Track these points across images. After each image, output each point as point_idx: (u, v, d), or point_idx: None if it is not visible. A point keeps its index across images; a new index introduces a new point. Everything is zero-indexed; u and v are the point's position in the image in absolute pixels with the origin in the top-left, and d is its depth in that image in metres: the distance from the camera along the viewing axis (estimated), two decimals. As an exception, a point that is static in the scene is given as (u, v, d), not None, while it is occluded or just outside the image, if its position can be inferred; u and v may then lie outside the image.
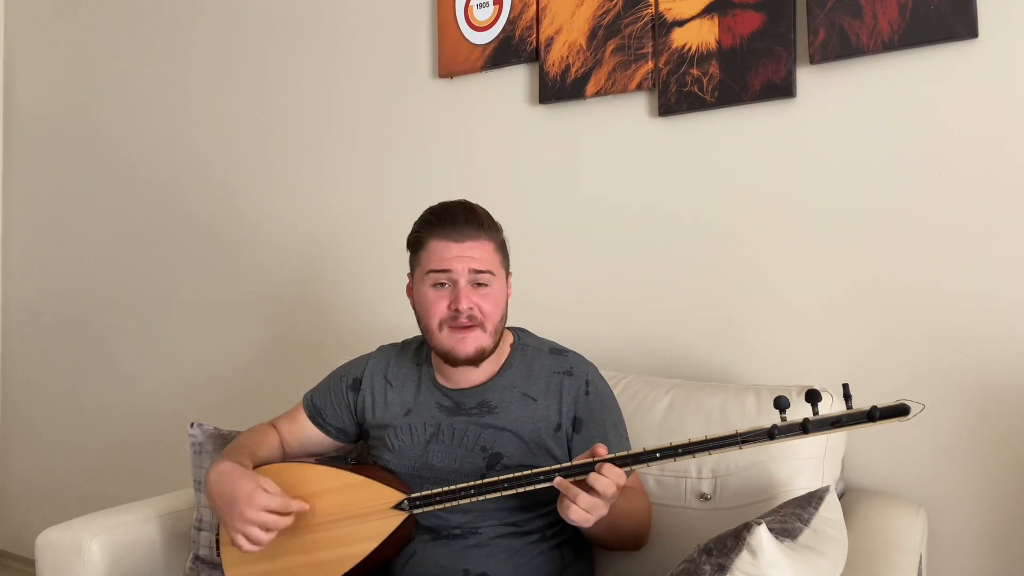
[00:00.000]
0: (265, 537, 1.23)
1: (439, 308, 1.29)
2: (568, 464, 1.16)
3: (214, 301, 2.49)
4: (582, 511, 1.10)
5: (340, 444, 1.49)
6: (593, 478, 1.10)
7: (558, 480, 1.13)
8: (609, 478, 1.10)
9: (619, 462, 1.12)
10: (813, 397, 1.04)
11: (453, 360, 1.31)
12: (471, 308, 1.28)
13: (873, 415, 1.01)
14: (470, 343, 1.29)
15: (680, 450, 1.11)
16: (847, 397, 1.04)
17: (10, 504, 3.06)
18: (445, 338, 1.30)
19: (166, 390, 2.61)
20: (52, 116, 2.92)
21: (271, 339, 2.38)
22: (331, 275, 2.25)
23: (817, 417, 1.04)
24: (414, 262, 1.35)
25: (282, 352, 2.35)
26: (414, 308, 1.36)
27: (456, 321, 1.28)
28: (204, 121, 2.52)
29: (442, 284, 1.30)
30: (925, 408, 1.48)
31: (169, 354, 2.60)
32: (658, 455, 1.11)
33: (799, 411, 1.27)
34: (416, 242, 1.34)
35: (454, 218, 1.30)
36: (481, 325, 1.29)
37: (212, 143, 2.50)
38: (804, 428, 1.05)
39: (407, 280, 1.39)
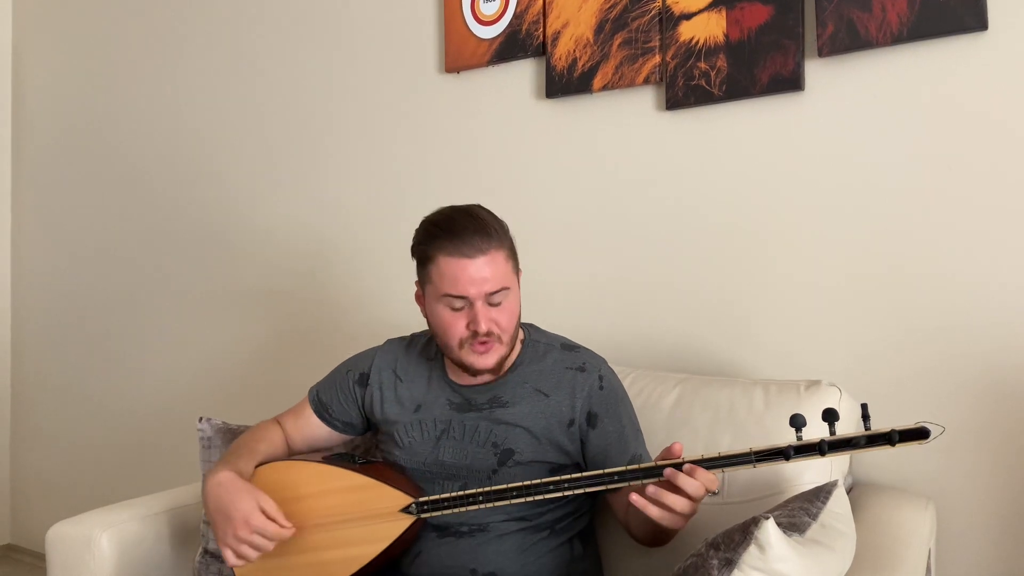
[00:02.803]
0: (254, 555, 1.23)
1: (457, 328, 1.27)
2: (591, 474, 1.14)
3: (221, 297, 2.50)
4: (673, 515, 1.06)
5: (347, 438, 1.49)
6: (683, 480, 1.05)
7: (635, 499, 1.07)
8: (701, 481, 1.05)
9: (630, 476, 1.11)
10: (830, 416, 1.02)
11: (474, 372, 1.31)
12: (490, 325, 1.26)
13: (892, 439, 0.98)
14: (491, 356, 1.28)
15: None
16: (865, 418, 1.01)
17: (21, 499, 3.08)
18: (465, 354, 1.29)
19: (174, 386, 2.62)
20: (60, 118, 2.93)
21: (278, 334, 2.38)
22: (337, 270, 2.25)
23: (835, 438, 1.02)
24: (423, 276, 1.31)
25: (289, 346, 2.36)
26: (426, 318, 1.34)
27: (476, 339, 1.27)
28: (209, 117, 2.52)
29: (458, 307, 1.27)
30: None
31: (177, 350, 2.61)
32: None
33: (805, 410, 1.27)
34: (423, 256, 1.29)
35: (462, 230, 1.24)
36: (499, 338, 1.28)
37: (217, 139, 2.50)
38: (821, 450, 1.02)
39: (415, 287, 1.36)
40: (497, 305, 1.27)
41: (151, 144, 2.67)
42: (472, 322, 1.26)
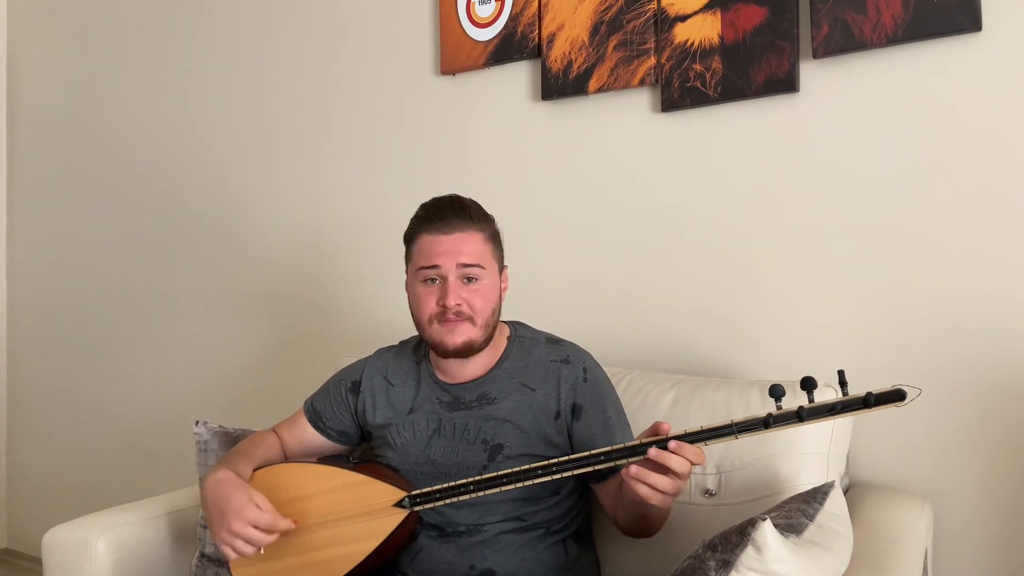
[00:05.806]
0: (249, 550, 1.24)
1: (429, 304, 1.31)
2: (579, 455, 1.15)
3: (218, 300, 2.50)
4: (661, 495, 1.06)
5: (342, 448, 1.49)
6: (668, 458, 1.05)
7: (631, 471, 1.07)
8: (685, 456, 1.05)
9: (616, 456, 1.11)
10: (808, 385, 1.03)
11: (443, 351, 1.32)
12: (459, 304, 1.29)
13: (869, 401, 0.99)
14: (459, 335, 1.30)
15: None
16: (843, 384, 1.03)
17: (17, 503, 3.08)
18: (435, 331, 1.32)
19: (171, 389, 2.62)
20: (55, 118, 2.93)
21: (275, 337, 2.38)
22: (335, 273, 2.25)
23: (812, 404, 1.03)
24: (407, 257, 1.38)
25: (286, 350, 2.36)
26: (410, 306, 1.37)
27: (445, 316, 1.29)
28: (206, 120, 2.52)
29: (432, 280, 1.31)
30: (923, 393, 1.48)
31: (173, 353, 2.61)
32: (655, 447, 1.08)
33: (797, 402, 1.27)
34: (408, 237, 1.36)
35: (442, 212, 1.31)
36: (470, 319, 1.30)
37: (214, 142, 2.50)
38: (799, 416, 1.03)
39: (405, 276, 1.40)
40: (471, 283, 1.30)
41: (148, 146, 2.67)
42: (442, 297, 1.29)
